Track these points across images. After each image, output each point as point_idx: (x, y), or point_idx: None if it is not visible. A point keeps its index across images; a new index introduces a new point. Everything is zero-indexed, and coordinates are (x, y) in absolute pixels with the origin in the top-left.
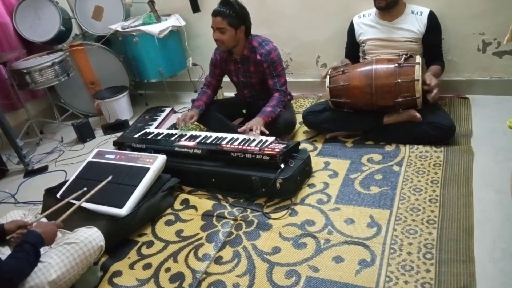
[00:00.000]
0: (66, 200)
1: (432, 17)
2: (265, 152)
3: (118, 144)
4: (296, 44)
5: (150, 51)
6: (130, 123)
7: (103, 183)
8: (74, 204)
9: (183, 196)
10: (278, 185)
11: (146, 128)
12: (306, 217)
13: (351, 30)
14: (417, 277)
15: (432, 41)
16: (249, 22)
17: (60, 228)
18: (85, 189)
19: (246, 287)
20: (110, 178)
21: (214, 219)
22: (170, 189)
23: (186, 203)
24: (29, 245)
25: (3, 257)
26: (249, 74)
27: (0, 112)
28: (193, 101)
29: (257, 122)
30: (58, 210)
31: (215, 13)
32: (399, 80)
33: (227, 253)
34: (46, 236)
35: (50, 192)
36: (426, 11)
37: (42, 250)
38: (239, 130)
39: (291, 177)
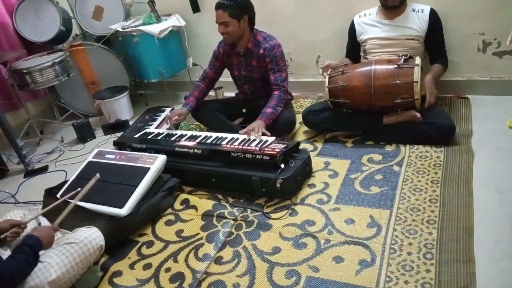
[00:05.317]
0: (62, 199)
1: (433, 14)
2: (265, 152)
3: (118, 144)
4: (296, 44)
5: (150, 51)
6: (130, 123)
7: (92, 181)
8: (70, 203)
9: (183, 196)
10: (278, 185)
11: (146, 128)
12: (306, 217)
13: (352, 29)
14: (417, 277)
15: (435, 38)
16: (252, 11)
17: (57, 231)
18: (79, 189)
19: (246, 287)
20: (97, 175)
21: (214, 219)
22: (170, 189)
23: (186, 203)
24: (27, 247)
25: (3, 257)
26: (251, 68)
27: (0, 112)
28: (185, 98)
29: (258, 125)
30: (56, 209)
31: (217, 7)
32: (398, 81)
33: (227, 253)
34: (44, 239)
35: (50, 192)
36: (427, 9)
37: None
38: (241, 132)
39: (291, 177)
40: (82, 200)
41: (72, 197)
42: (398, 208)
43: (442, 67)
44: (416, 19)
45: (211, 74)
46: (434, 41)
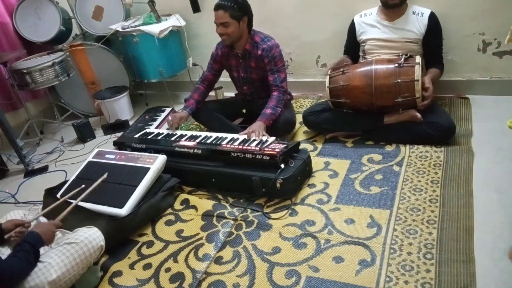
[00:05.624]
0: (63, 198)
1: (432, 18)
2: (265, 152)
3: (118, 144)
4: (296, 44)
5: (150, 51)
6: (130, 123)
7: (99, 180)
8: (71, 202)
9: (183, 196)
10: (278, 185)
11: (146, 128)
12: (306, 217)
13: (351, 29)
14: (417, 277)
15: (432, 43)
16: (251, 13)
17: (59, 227)
18: (83, 186)
19: (246, 287)
20: (105, 175)
21: (214, 219)
22: (170, 189)
23: (186, 203)
24: (28, 245)
25: (3, 257)
26: (250, 69)
27: (0, 112)
28: (185, 100)
29: (258, 127)
30: (57, 208)
31: (217, 7)
32: (399, 80)
33: (227, 253)
34: (45, 235)
35: (50, 192)
36: (427, 12)
37: (42, 250)
38: (241, 133)
39: (291, 177)
40: (83, 199)
41: (75, 196)
42: (398, 208)
43: (438, 71)
44: (416, 22)
45: (210, 77)
46: (430, 45)
